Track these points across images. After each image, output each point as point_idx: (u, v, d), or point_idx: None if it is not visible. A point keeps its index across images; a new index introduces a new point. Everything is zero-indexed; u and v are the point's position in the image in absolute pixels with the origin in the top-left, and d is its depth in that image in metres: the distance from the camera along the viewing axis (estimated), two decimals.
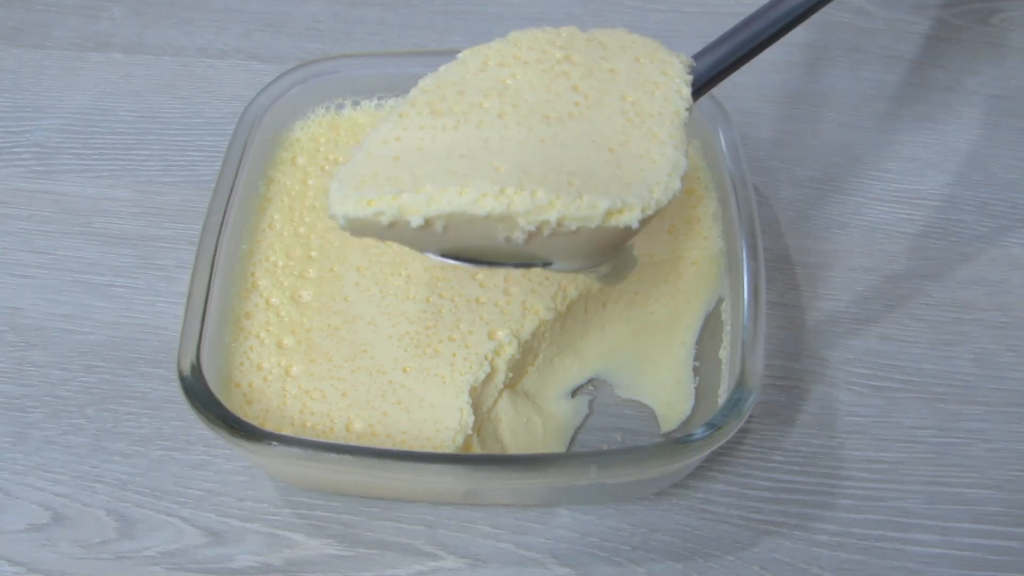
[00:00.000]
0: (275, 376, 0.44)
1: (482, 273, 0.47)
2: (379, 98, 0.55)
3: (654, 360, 0.49)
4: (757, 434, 0.49)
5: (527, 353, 0.47)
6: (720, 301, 0.48)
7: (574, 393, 0.49)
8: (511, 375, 0.46)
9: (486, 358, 0.45)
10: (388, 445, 0.42)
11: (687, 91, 0.38)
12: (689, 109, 0.38)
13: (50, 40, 0.69)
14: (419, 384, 0.44)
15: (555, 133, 0.36)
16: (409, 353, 0.45)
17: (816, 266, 0.56)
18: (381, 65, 0.54)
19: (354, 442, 0.42)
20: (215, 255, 0.44)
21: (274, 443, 0.38)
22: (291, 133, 0.53)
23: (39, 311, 0.53)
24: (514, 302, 0.47)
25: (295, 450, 0.38)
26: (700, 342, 0.49)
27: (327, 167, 0.52)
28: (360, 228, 0.34)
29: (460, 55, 0.39)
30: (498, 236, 0.34)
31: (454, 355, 0.45)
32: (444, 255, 0.37)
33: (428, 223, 0.34)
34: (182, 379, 0.40)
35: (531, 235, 0.34)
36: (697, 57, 0.40)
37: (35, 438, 0.48)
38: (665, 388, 0.49)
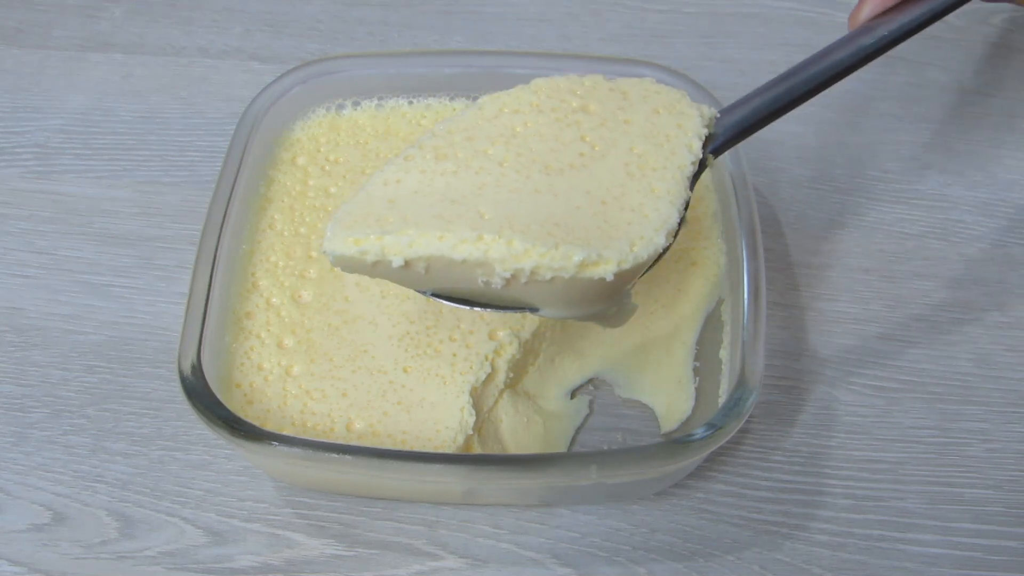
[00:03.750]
0: (276, 376, 0.44)
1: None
2: (379, 98, 0.55)
3: (654, 360, 0.49)
4: (757, 434, 0.49)
5: (528, 353, 0.47)
6: (720, 301, 0.48)
7: (574, 393, 0.50)
8: (511, 375, 0.46)
9: (486, 358, 0.45)
10: (388, 445, 0.42)
11: (697, 145, 0.38)
12: (696, 163, 0.38)
13: (50, 40, 0.69)
14: (419, 384, 0.44)
15: (551, 183, 0.36)
16: (409, 353, 0.45)
17: (816, 266, 0.56)
18: (381, 65, 0.54)
19: (355, 442, 0.42)
20: (216, 255, 0.44)
21: (275, 443, 0.38)
22: (291, 133, 0.53)
23: (39, 311, 0.53)
24: None
25: (296, 450, 0.38)
26: (700, 342, 0.49)
27: (327, 167, 0.52)
28: (348, 265, 0.36)
29: (479, 100, 0.39)
30: (477, 280, 0.35)
31: (454, 355, 0.45)
32: (436, 295, 0.37)
33: (409, 264, 0.34)
34: (183, 379, 0.40)
35: (508, 281, 0.34)
36: (726, 111, 0.40)
37: (36, 438, 0.48)
38: (665, 388, 0.49)
